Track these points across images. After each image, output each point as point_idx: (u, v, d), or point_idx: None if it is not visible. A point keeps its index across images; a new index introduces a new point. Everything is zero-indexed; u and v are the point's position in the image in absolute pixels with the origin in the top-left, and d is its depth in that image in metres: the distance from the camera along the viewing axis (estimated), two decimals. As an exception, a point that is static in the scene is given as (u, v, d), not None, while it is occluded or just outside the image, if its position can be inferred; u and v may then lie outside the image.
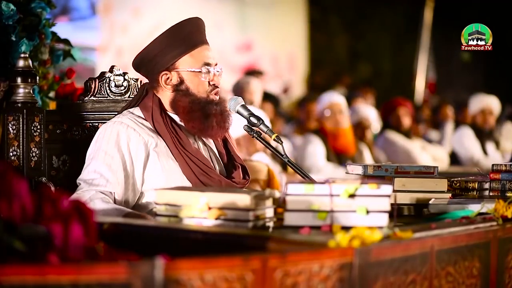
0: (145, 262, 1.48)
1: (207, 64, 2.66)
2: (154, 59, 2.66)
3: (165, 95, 2.67)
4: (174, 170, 2.58)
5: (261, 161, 3.91)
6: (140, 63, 2.71)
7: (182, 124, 2.66)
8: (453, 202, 2.48)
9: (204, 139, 2.72)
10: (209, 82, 2.66)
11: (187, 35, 2.66)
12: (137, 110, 2.68)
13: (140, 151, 2.58)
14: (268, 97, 6.27)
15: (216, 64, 2.69)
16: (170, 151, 2.59)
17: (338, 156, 5.67)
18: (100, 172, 2.54)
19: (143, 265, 1.48)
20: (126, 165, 2.57)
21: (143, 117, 2.65)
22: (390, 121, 6.70)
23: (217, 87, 2.68)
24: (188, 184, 2.58)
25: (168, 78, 2.66)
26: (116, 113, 2.76)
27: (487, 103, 6.93)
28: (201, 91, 2.65)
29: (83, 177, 2.57)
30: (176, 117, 2.67)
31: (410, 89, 10.24)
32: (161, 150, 2.59)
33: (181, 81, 2.65)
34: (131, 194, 2.58)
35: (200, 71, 2.64)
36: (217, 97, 2.68)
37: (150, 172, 2.58)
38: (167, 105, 2.67)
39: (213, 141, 2.76)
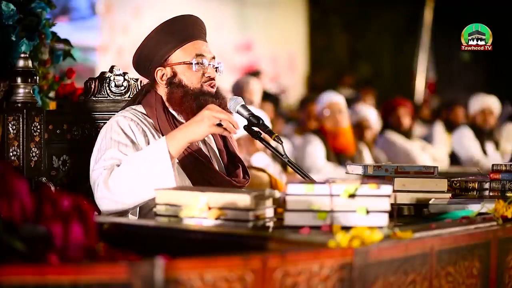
0: (145, 262, 1.48)
1: (200, 56, 2.64)
2: (148, 57, 2.67)
3: (163, 92, 2.67)
4: (176, 167, 2.57)
5: (262, 168, 3.88)
6: (137, 62, 2.72)
7: (183, 121, 2.65)
8: (453, 202, 2.47)
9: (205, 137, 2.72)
10: (203, 73, 2.64)
11: (179, 30, 2.66)
12: (139, 107, 2.68)
13: (143, 144, 2.57)
14: (268, 97, 6.27)
15: (213, 58, 2.68)
16: None
17: (337, 155, 5.67)
18: (118, 158, 2.49)
19: (143, 265, 1.48)
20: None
21: (146, 114, 2.65)
22: (390, 121, 6.70)
23: (212, 79, 2.66)
24: (187, 181, 2.58)
25: (163, 74, 2.66)
26: (116, 113, 2.77)
27: (487, 103, 6.92)
28: (194, 82, 2.63)
29: (100, 166, 2.50)
30: (177, 114, 2.67)
31: (410, 89, 10.24)
32: None
33: (174, 75, 2.65)
34: None
35: (191, 63, 2.63)
36: (213, 89, 2.66)
37: None
38: (166, 102, 2.67)
39: (214, 139, 2.75)
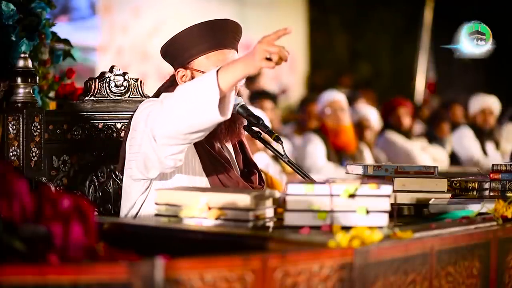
0: (145, 262, 1.48)
1: None
2: (174, 54, 2.63)
3: None
4: (195, 166, 2.54)
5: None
6: (164, 54, 2.69)
7: None
8: (453, 202, 2.48)
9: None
10: None
11: (209, 36, 2.60)
12: None
13: None
14: (267, 95, 6.25)
15: None
16: (194, 146, 2.55)
17: (338, 153, 5.67)
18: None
19: (143, 265, 1.48)
20: None
21: None
22: (390, 121, 6.70)
23: None
24: (204, 179, 2.55)
25: (183, 75, 2.63)
26: (116, 113, 2.80)
27: (487, 103, 6.93)
28: None
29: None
30: None
31: (410, 89, 10.23)
32: None
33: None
34: None
35: None
36: None
37: None
38: None
39: (231, 143, 2.73)
